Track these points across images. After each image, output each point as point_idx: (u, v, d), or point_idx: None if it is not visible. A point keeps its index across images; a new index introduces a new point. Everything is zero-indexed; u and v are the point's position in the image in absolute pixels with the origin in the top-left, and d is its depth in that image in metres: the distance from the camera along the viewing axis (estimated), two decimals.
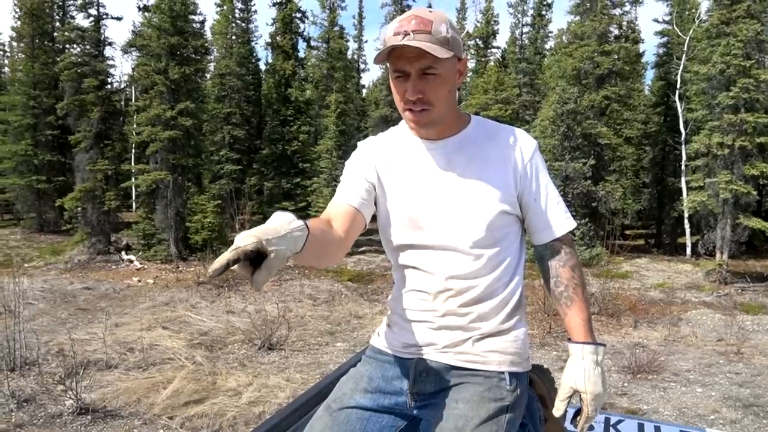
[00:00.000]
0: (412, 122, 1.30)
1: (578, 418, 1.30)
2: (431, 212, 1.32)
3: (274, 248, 0.96)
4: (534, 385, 1.46)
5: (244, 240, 0.95)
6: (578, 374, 1.28)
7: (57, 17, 22.30)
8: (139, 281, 14.06)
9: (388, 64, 1.28)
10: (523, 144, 1.36)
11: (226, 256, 0.93)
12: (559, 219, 1.37)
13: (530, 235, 1.41)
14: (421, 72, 1.23)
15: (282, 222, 1.01)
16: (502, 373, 1.30)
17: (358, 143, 1.47)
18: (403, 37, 1.20)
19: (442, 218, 1.31)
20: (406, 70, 1.24)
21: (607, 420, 1.92)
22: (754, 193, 15.15)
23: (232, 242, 0.99)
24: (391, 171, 1.38)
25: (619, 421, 1.91)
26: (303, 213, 18.96)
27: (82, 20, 19.42)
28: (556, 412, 1.31)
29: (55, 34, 21.84)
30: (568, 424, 1.87)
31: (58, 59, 19.91)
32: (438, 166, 1.34)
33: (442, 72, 1.24)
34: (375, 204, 1.40)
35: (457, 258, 1.31)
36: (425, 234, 1.33)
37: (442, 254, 1.32)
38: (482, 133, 1.37)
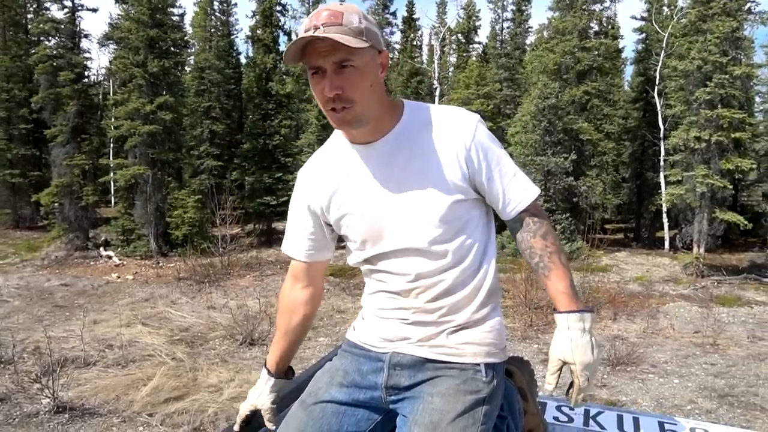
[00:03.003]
0: (335, 123, 1.24)
1: (571, 391, 1.25)
2: (384, 221, 1.29)
3: (258, 406, 1.51)
4: (513, 377, 1.45)
5: (242, 407, 1.54)
6: (565, 345, 1.23)
7: (30, 8, 21.82)
8: (118, 277, 13.86)
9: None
10: (462, 124, 1.28)
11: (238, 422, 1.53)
12: (518, 191, 1.31)
13: (497, 212, 1.36)
14: (336, 66, 1.16)
15: (261, 384, 1.53)
16: (478, 365, 1.28)
17: (298, 173, 1.44)
18: (314, 32, 1.14)
19: (396, 224, 1.28)
20: (320, 65, 1.17)
21: (586, 412, 1.93)
22: (730, 187, 15.41)
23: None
24: (335, 196, 1.34)
25: (599, 413, 1.92)
26: (285, 207, 18.84)
27: (56, 12, 19.07)
28: (548, 386, 1.27)
29: (29, 25, 21.36)
30: (551, 418, 1.88)
31: (32, 51, 19.48)
32: (379, 173, 1.28)
33: (359, 64, 1.17)
34: (332, 229, 1.43)
35: (420, 258, 1.28)
36: (384, 243, 1.30)
37: (405, 257, 1.29)
38: (417, 123, 1.29)
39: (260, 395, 1.49)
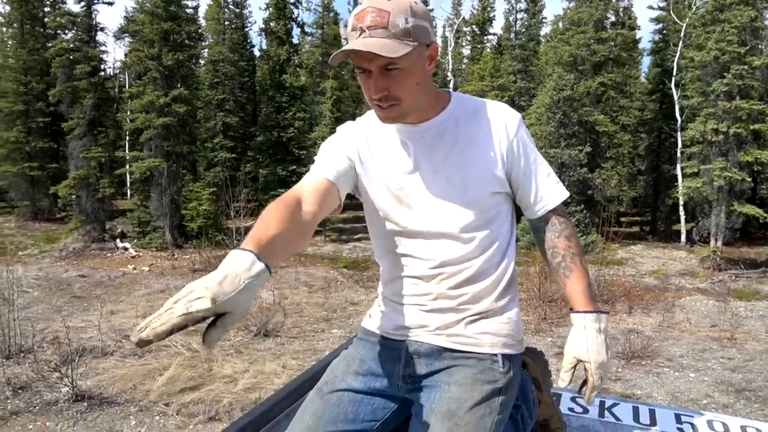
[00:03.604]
0: (381, 119, 1.26)
1: (584, 388, 1.29)
2: (418, 199, 1.30)
3: (230, 308, 0.89)
4: (528, 368, 1.45)
5: (197, 303, 0.85)
6: (581, 343, 1.27)
7: (47, 2, 22.04)
8: (135, 269, 14.03)
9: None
10: (507, 119, 1.31)
11: (172, 321, 0.83)
12: (550, 191, 1.34)
13: (523, 209, 1.38)
14: (382, 69, 1.17)
15: (241, 268, 0.91)
16: (495, 355, 1.28)
17: (338, 128, 1.42)
18: (359, 35, 1.14)
19: (430, 204, 1.29)
20: (366, 67, 1.18)
21: (602, 403, 1.92)
22: (749, 179, 15.19)
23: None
24: (374, 156, 1.34)
25: (614, 405, 1.91)
26: None
27: (73, 5, 19.27)
28: (561, 383, 1.29)
29: (46, 19, 21.58)
30: (566, 409, 1.87)
31: (49, 45, 19.70)
32: (421, 152, 1.30)
33: (405, 66, 1.17)
34: (357, 187, 1.36)
35: (448, 243, 1.29)
36: (415, 222, 1.31)
37: (433, 240, 1.30)
38: (463, 112, 1.32)
39: (236, 285, 0.89)
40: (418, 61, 1.21)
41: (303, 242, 1.17)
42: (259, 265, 0.94)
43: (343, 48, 1.17)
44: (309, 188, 1.23)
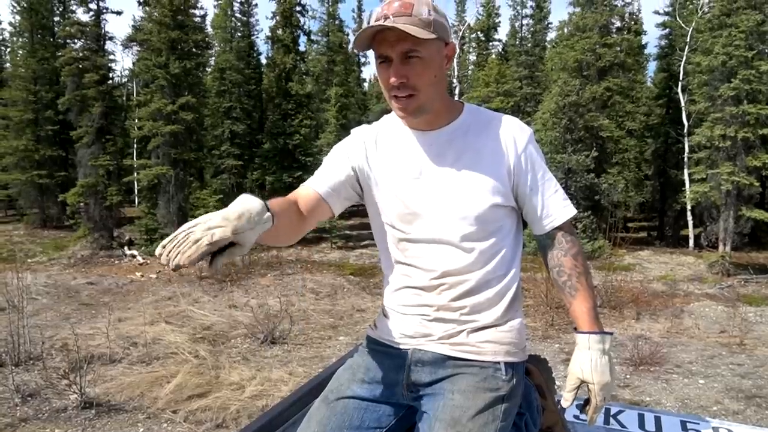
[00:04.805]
0: (398, 111, 1.28)
1: (587, 408, 1.30)
2: (422, 205, 1.31)
3: (243, 241, 1.02)
4: (531, 375, 1.46)
5: (219, 232, 0.99)
6: (585, 364, 1.27)
7: (56, 11, 22.28)
8: (142, 276, 14.09)
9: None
10: (517, 133, 1.32)
11: (201, 249, 0.96)
12: (557, 208, 1.34)
13: (530, 225, 1.39)
14: (403, 55, 1.20)
15: (254, 210, 1.06)
16: (498, 363, 1.29)
17: (352, 130, 1.45)
18: (384, 21, 1.18)
19: (433, 212, 1.30)
20: (387, 54, 1.22)
21: (607, 410, 1.92)
22: (757, 184, 15.12)
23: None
24: (382, 161, 1.36)
25: (620, 412, 1.91)
26: None
27: (82, 15, 19.46)
28: (565, 403, 1.30)
29: (55, 28, 21.82)
30: (571, 416, 1.87)
31: (58, 54, 19.91)
32: (429, 159, 1.32)
33: (425, 55, 1.21)
34: (361, 195, 1.40)
35: (448, 252, 1.30)
36: (417, 228, 1.32)
37: (434, 248, 1.31)
38: (475, 123, 1.34)
39: (251, 224, 1.03)
40: (437, 56, 1.24)
41: (293, 237, 1.28)
42: (268, 214, 1.09)
43: (369, 25, 1.20)
44: (303, 199, 1.33)
